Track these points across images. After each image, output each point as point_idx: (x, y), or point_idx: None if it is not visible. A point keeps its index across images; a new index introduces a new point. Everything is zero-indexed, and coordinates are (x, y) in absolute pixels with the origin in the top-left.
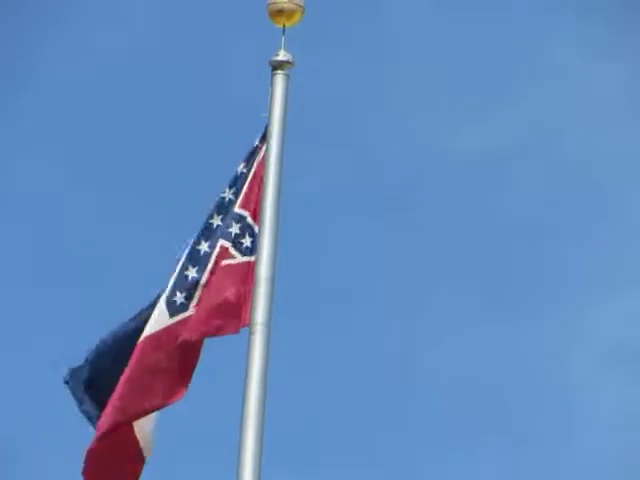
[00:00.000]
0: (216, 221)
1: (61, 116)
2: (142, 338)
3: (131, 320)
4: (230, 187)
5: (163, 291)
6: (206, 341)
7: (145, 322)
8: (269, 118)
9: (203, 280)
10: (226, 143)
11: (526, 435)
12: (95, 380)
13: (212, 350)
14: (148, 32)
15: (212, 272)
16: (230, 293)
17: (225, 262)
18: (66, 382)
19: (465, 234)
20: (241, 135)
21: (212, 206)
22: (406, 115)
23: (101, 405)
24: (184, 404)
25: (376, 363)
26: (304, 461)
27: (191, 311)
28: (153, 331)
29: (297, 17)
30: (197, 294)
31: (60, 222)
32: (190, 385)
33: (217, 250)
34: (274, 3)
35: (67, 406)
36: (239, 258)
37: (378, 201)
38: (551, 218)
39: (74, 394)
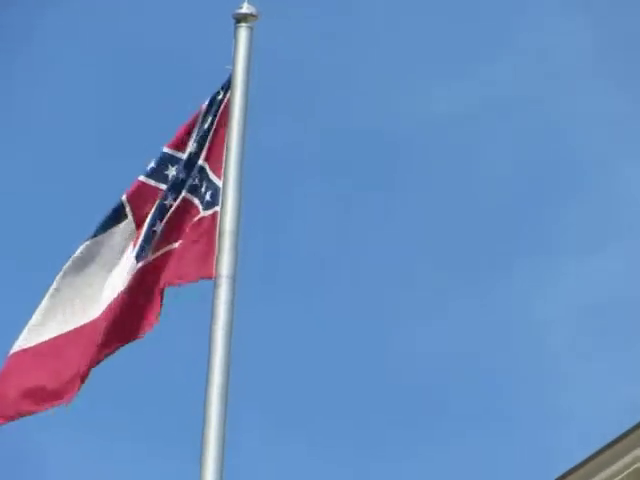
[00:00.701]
0: (171, 172)
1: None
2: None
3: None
4: (192, 140)
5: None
6: (173, 295)
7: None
8: (232, 71)
9: (162, 228)
10: (190, 96)
11: (505, 401)
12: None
13: (179, 304)
14: None
15: (172, 221)
16: (192, 246)
17: (195, 218)
18: None
19: (439, 198)
20: (205, 88)
21: (169, 159)
22: (375, 74)
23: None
24: (150, 356)
25: (344, 325)
26: (270, 421)
27: (148, 259)
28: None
29: None
30: (154, 241)
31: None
32: (157, 335)
33: (179, 200)
34: None
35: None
36: (202, 212)
37: (346, 164)
38: (527, 180)
39: None
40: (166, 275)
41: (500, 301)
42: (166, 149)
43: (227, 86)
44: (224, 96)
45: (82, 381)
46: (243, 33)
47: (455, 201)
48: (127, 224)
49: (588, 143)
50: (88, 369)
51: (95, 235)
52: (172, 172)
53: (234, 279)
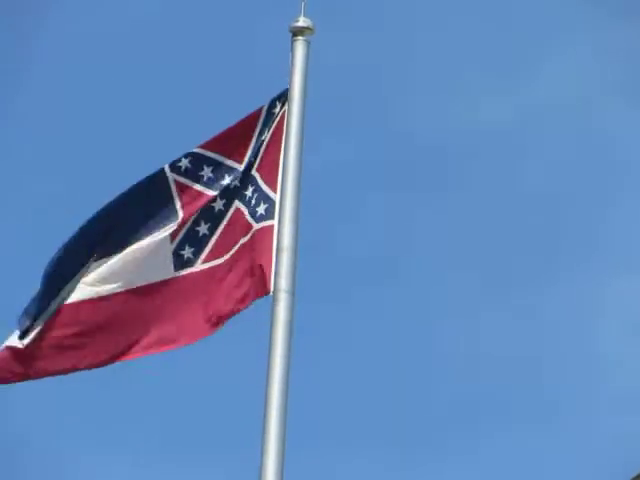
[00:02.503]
0: (234, 182)
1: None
2: (135, 287)
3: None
4: (249, 151)
5: (159, 230)
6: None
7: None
8: (289, 84)
9: (214, 238)
10: (247, 110)
11: (553, 406)
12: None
13: (236, 320)
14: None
15: (226, 232)
16: (252, 261)
17: (248, 236)
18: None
19: (491, 204)
20: (262, 102)
21: (227, 168)
22: (431, 87)
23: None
24: (207, 371)
25: (398, 335)
26: (326, 437)
27: (197, 267)
28: (152, 280)
29: None
30: (205, 251)
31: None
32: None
33: (232, 210)
34: None
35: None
36: (254, 225)
37: (404, 174)
38: (576, 188)
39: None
40: (227, 301)
41: (548, 311)
42: (202, 150)
43: (283, 99)
44: (280, 109)
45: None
46: (300, 46)
47: (503, 211)
48: (172, 208)
49: (636, 153)
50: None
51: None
52: (208, 174)
53: (293, 294)
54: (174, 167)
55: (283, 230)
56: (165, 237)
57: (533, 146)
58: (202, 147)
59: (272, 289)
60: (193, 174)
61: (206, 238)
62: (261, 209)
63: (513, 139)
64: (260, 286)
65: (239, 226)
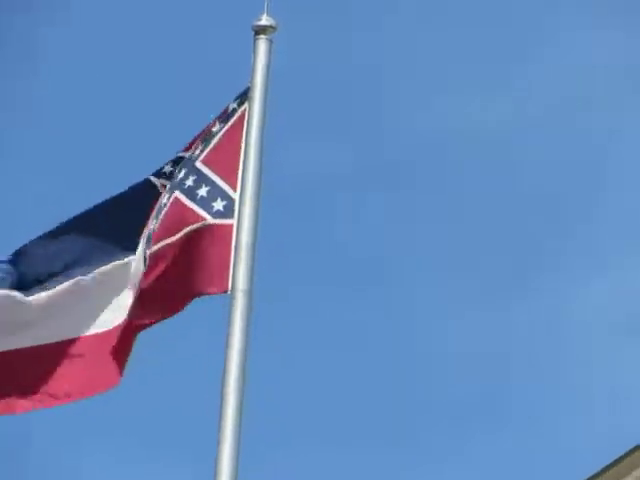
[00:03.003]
0: (180, 174)
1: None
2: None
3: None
4: (199, 145)
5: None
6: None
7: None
8: (251, 83)
9: (156, 227)
10: (208, 108)
11: (528, 409)
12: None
13: (194, 316)
14: None
15: (164, 219)
16: (207, 257)
17: (197, 225)
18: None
19: (467, 209)
20: (223, 100)
21: (178, 160)
22: (402, 87)
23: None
24: (160, 374)
25: (369, 338)
26: (285, 436)
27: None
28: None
29: None
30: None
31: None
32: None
33: (172, 199)
34: None
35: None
36: (209, 219)
37: (373, 177)
38: (553, 191)
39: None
40: (192, 284)
41: (527, 311)
42: (180, 153)
43: (242, 97)
44: (239, 107)
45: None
46: (262, 45)
47: (481, 213)
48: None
49: (615, 155)
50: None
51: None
52: (168, 168)
53: (250, 293)
54: (159, 174)
55: (242, 229)
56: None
57: (519, 146)
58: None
59: (230, 288)
60: (171, 176)
61: (154, 230)
62: (218, 205)
63: (495, 142)
64: (218, 284)
65: (180, 214)
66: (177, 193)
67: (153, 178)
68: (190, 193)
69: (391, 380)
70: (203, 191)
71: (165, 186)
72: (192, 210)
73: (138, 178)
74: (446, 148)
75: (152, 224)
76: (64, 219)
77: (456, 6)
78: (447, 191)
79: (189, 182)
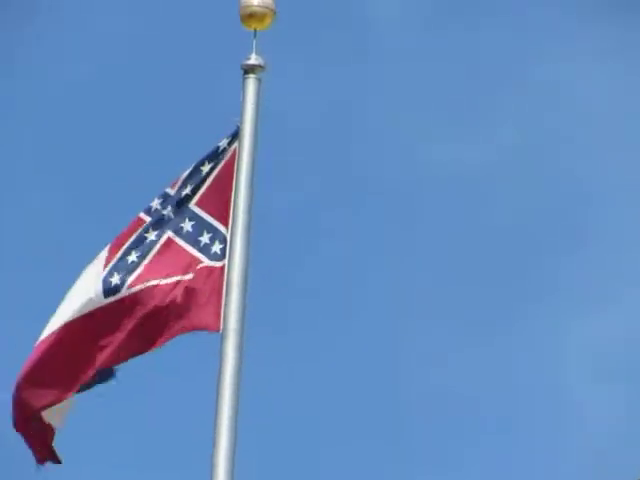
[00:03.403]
0: (168, 213)
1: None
2: (72, 319)
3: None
4: (190, 183)
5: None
6: (179, 345)
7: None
8: (240, 122)
9: (142, 265)
10: (197, 146)
11: (519, 449)
12: None
13: (186, 355)
14: (119, 34)
15: (154, 260)
16: (203, 296)
17: (200, 266)
18: None
19: (450, 248)
20: (213, 138)
21: (165, 197)
22: (384, 126)
23: None
24: (156, 408)
25: (356, 375)
26: (278, 476)
27: (124, 293)
28: (86, 310)
29: (268, 21)
30: (131, 277)
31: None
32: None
33: (163, 240)
34: (245, 7)
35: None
36: (207, 262)
37: (358, 212)
38: (538, 231)
39: None
40: (189, 319)
41: (510, 349)
42: (167, 189)
43: (232, 136)
44: (229, 146)
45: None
46: (251, 84)
47: (464, 251)
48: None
49: (596, 190)
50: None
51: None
52: (158, 206)
53: (241, 333)
54: (148, 210)
55: (232, 267)
56: (98, 268)
57: (496, 187)
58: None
59: (221, 327)
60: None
61: (134, 265)
62: (216, 247)
63: (475, 177)
64: (211, 322)
65: (175, 257)
66: (171, 235)
67: (142, 214)
68: (191, 239)
69: (381, 424)
70: (206, 238)
71: (144, 220)
72: (195, 258)
73: (124, 213)
74: (425, 188)
75: (131, 255)
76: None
77: (422, 47)
78: (429, 229)
79: (187, 227)
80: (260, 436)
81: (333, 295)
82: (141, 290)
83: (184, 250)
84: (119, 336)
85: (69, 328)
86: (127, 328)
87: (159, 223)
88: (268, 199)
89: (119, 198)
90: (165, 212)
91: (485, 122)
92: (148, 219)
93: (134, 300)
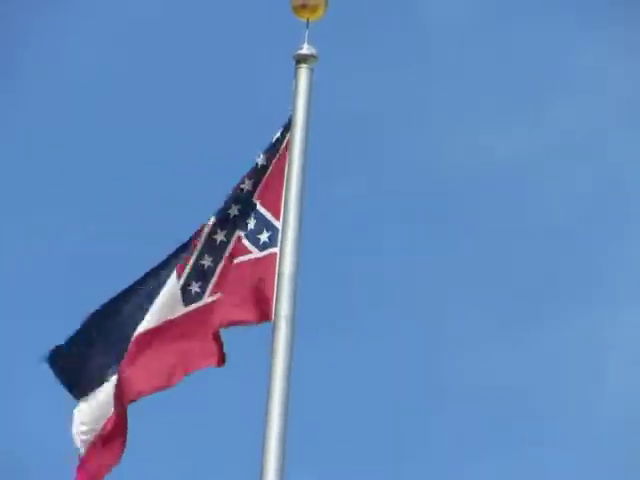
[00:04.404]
0: (233, 211)
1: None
2: (153, 325)
3: (121, 301)
4: (249, 178)
5: (167, 277)
6: (231, 337)
7: (141, 308)
8: (292, 111)
9: (218, 270)
10: (250, 137)
11: (557, 441)
12: (76, 358)
13: (237, 345)
14: (173, 26)
15: (228, 263)
16: (251, 286)
17: (244, 258)
18: (49, 361)
19: (497, 237)
20: (265, 129)
21: (229, 196)
22: (436, 119)
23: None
24: (208, 397)
25: (400, 366)
26: (326, 461)
27: (204, 300)
28: (169, 317)
29: (320, 11)
30: (211, 283)
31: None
32: (213, 378)
33: (234, 240)
34: None
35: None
36: (256, 253)
37: (411, 207)
38: (584, 220)
39: (55, 372)
40: (221, 316)
41: (555, 346)
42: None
43: (286, 127)
44: (283, 137)
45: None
46: (303, 74)
47: (507, 245)
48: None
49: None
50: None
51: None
52: (233, 211)
53: (293, 321)
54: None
55: (285, 257)
56: (172, 276)
57: (536, 178)
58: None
59: (273, 316)
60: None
61: (211, 271)
62: (264, 237)
63: (516, 173)
64: (262, 311)
65: (240, 254)
66: (241, 234)
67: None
68: (252, 237)
69: (398, 409)
70: (265, 236)
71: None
72: (245, 246)
73: (178, 205)
74: (459, 181)
75: (205, 259)
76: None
77: (473, 42)
78: (456, 223)
79: (251, 225)
80: (310, 424)
81: (384, 285)
82: (219, 298)
83: (244, 243)
84: (196, 344)
85: (154, 333)
86: (205, 336)
87: (225, 222)
88: (322, 190)
89: (174, 193)
90: (230, 211)
91: (533, 117)
92: (212, 219)
93: (211, 309)
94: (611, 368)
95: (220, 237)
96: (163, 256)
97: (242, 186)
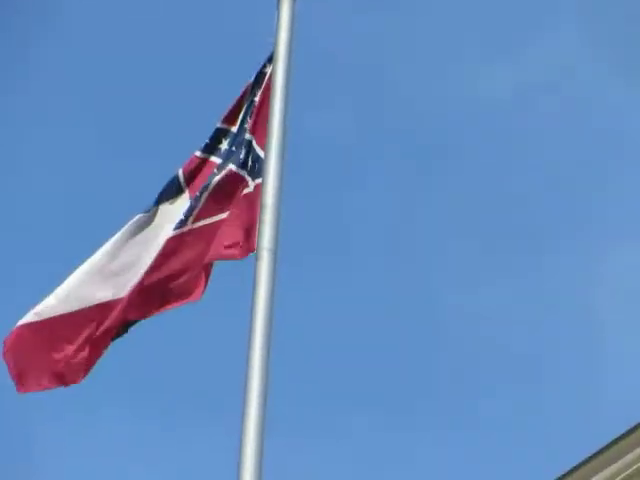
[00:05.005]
0: (224, 145)
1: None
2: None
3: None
4: (240, 113)
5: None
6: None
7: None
8: (275, 42)
9: (203, 198)
10: (233, 68)
11: (551, 376)
12: None
13: (220, 278)
14: None
15: (214, 192)
16: (241, 219)
17: (244, 191)
18: None
19: (490, 178)
20: (248, 61)
21: (219, 130)
22: (427, 55)
23: None
24: (191, 328)
25: (389, 303)
26: (310, 396)
27: (188, 226)
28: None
29: None
30: (195, 211)
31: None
32: (197, 308)
33: (224, 172)
34: None
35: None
36: (250, 182)
37: (400, 144)
38: (574, 165)
39: None
40: (214, 248)
41: (548, 281)
42: (219, 124)
43: (269, 59)
44: (265, 69)
45: (97, 354)
46: (285, 5)
47: (501, 184)
48: (183, 199)
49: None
50: (104, 339)
51: (148, 210)
52: (224, 146)
53: (275, 252)
54: (202, 148)
55: (267, 188)
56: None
57: (528, 121)
58: (220, 121)
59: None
60: (211, 148)
61: (197, 201)
62: (256, 169)
63: (510, 114)
64: (249, 243)
65: (233, 185)
66: (232, 167)
67: (198, 153)
68: (243, 165)
69: (409, 339)
70: (250, 159)
71: (206, 160)
72: (244, 179)
73: (172, 146)
74: (462, 115)
75: (200, 193)
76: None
77: None
78: (452, 159)
79: (242, 155)
80: (293, 360)
81: (370, 220)
82: (209, 224)
83: (239, 175)
84: (184, 269)
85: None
86: (197, 263)
87: (224, 159)
88: (304, 123)
89: (164, 120)
90: (228, 146)
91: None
92: (218, 161)
93: (203, 235)
94: (602, 302)
95: (219, 173)
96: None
97: (239, 122)
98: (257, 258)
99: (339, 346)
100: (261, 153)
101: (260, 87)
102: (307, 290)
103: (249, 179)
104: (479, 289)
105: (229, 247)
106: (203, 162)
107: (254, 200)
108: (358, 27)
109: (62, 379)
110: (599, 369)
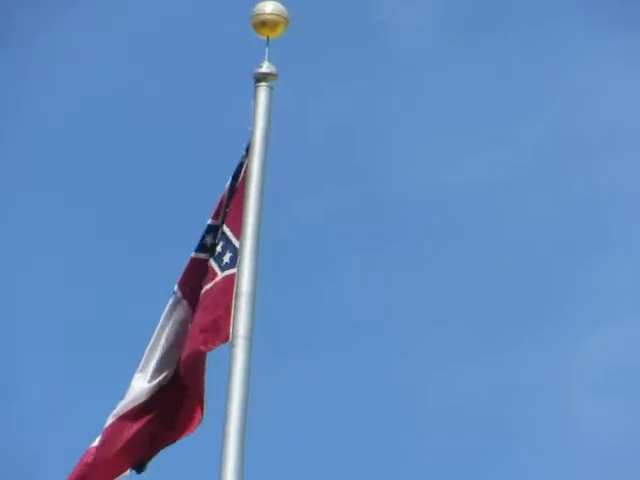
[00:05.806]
0: (209, 240)
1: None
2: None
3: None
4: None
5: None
6: None
7: None
8: (252, 130)
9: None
10: (211, 156)
11: (525, 464)
12: None
13: None
14: (130, 42)
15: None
16: (216, 309)
17: (210, 284)
18: None
19: (464, 265)
20: (226, 148)
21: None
22: (400, 139)
23: None
24: None
25: (370, 393)
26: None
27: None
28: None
29: (281, 29)
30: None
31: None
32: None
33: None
34: (257, 14)
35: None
36: (219, 275)
37: (373, 230)
38: (547, 247)
39: None
40: (190, 345)
41: (521, 362)
42: (209, 221)
43: (248, 148)
44: (245, 159)
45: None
46: (262, 93)
47: (475, 270)
48: (182, 308)
49: (614, 210)
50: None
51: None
52: (209, 240)
53: (250, 340)
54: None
55: (242, 276)
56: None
57: (506, 205)
58: (210, 217)
59: (230, 336)
60: (200, 246)
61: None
62: (226, 258)
63: (484, 199)
64: (222, 333)
65: (207, 279)
66: (212, 262)
67: (193, 253)
68: (218, 256)
69: (383, 433)
70: (227, 257)
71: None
72: (214, 270)
73: (140, 223)
74: (443, 198)
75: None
76: None
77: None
78: (420, 249)
79: (219, 248)
80: (269, 447)
81: (349, 307)
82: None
83: (213, 267)
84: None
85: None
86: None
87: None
88: (280, 210)
89: (135, 211)
90: (215, 241)
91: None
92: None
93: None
94: (575, 394)
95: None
96: None
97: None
98: (232, 346)
99: (316, 434)
100: (235, 242)
101: (235, 177)
102: (282, 378)
103: (217, 269)
104: (455, 378)
105: (208, 341)
106: (196, 261)
107: (228, 289)
108: (330, 107)
109: None
110: (571, 460)
